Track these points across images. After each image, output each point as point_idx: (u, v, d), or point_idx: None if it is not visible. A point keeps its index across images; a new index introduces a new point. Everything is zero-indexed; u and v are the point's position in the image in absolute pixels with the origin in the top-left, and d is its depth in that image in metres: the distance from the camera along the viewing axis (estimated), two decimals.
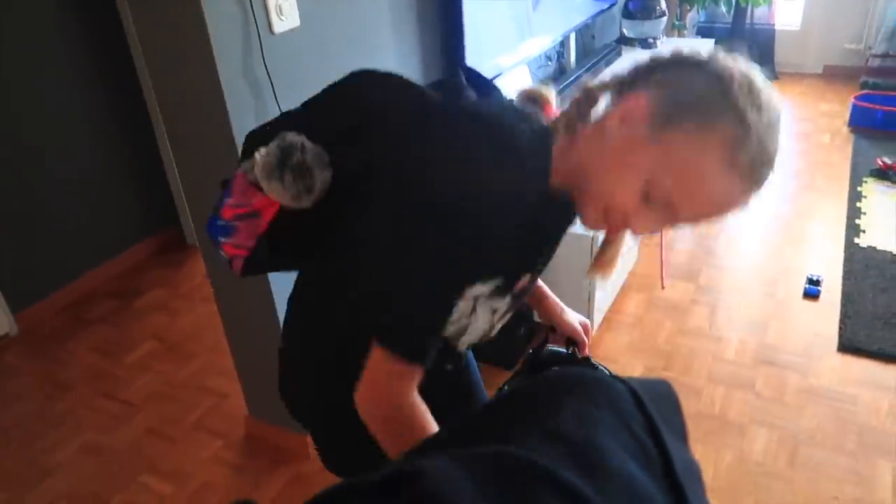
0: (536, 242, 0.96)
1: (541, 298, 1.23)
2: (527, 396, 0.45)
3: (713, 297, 2.78)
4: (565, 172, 0.85)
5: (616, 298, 2.76)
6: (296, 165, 0.88)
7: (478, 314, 0.96)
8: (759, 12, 4.89)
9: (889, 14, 4.58)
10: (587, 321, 1.25)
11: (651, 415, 0.45)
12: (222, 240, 1.01)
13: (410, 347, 0.84)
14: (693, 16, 4.90)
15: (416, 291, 0.83)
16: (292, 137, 0.90)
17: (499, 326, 1.05)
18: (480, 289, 0.91)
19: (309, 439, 1.22)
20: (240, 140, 1.66)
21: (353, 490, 0.34)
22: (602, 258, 1.02)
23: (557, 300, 1.23)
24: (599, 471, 0.38)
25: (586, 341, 1.23)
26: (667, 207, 0.77)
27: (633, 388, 0.46)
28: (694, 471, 0.47)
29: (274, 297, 1.85)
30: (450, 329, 0.96)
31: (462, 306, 0.92)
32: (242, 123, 1.65)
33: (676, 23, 4.30)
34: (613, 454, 0.40)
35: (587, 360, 1.17)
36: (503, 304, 0.98)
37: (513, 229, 0.82)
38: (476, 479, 0.33)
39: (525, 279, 0.98)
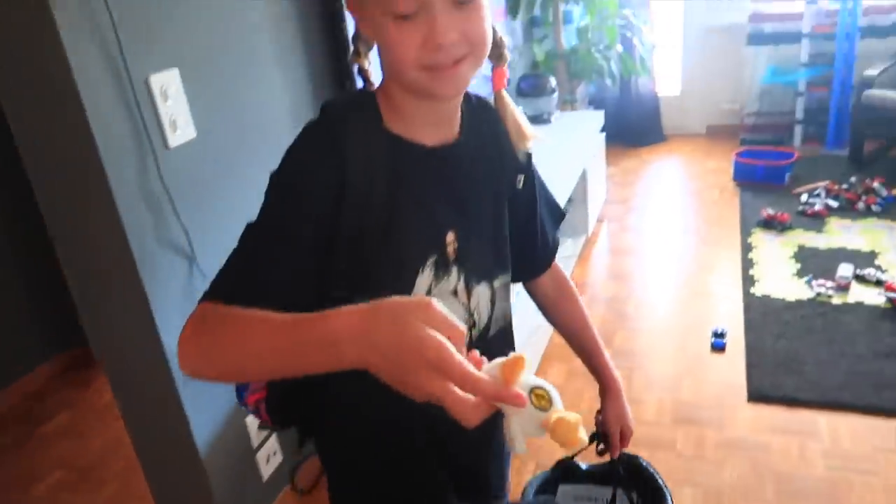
0: (405, 169, 0.91)
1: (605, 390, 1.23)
2: None
3: (629, 360, 2.86)
4: (389, 95, 0.90)
5: (538, 368, 2.81)
6: None
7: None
8: (643, 82, 5.25)
9: (759, 74, 5.02)
10: (632, 428, 1.23)
11: None
12: (246, 394, 1.05)
13: (217, 285, 0.83)
14: (583, 90, 5.21)
15: (242, 245, 0.86)
16: None
17: (496, 315, 1.03)
18: (423, 280, 0.92)
19: None
20: (140, 258, 1.64)
21: None
22: None
23: (621, 389, 1.23)
24: None
25: (617, 445, 1.22)
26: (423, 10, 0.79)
27: None
28: None
29: (185, 407, 1.79)
30: None
31: None
32: (141, 241, 1.63)
33: (568, 97, 4.55)
34: None
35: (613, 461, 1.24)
36: (458, 282, 0.96)
37: (344, 141, 0.86)
38: None
39: (451, 238, 0.95)
